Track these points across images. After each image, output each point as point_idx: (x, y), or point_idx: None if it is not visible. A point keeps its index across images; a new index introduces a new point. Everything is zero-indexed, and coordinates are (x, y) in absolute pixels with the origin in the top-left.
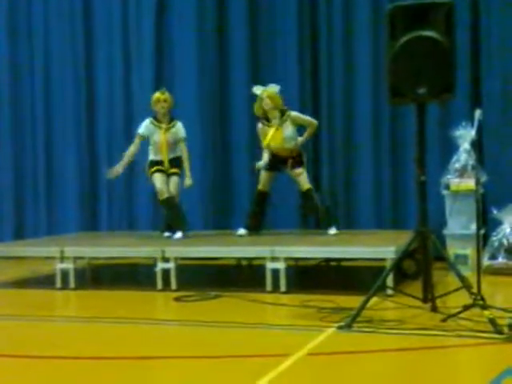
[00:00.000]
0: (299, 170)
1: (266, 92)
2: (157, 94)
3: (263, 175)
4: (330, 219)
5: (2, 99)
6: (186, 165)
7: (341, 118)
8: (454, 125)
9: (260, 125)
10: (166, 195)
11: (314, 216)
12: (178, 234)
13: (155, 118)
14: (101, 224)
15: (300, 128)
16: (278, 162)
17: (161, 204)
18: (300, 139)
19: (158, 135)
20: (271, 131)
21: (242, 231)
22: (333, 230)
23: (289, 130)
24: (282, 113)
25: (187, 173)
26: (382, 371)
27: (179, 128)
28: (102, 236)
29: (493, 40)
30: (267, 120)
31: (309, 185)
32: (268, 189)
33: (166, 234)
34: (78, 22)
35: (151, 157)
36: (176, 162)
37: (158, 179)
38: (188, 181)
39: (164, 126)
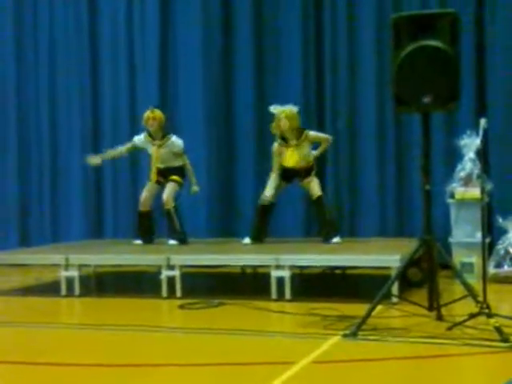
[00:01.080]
0: (309, 178)
1: (284, 112)
2: (146, 113)
3: (272, 181)
4: (335, 230)
5: (7, 107)
6: (191, 174)
7: (345, 125)
8: (459, 134)
9: (276, 144)
10: (143, 209)
11: (320, 224)
12: (171, 241)
13: (149, 135)
14: (106, 232)
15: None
16: (289, 175)
17: (138, 213)
18: (314, 153)
19: (151, 150)
20: (288, 152)
21: (247, 240)
22: (336, 239)
23: (306, 149)
24: (299, 132)
25: (193, 180)
26: (388, 380)
27: (174, 142)
28: (107, 243)
29: (497, 49)
30: (283, 139)
31: (319, 192)
32: (275, 200)
33: (171, 241)
34: (84, 32)
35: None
36: (176, 171)
37: (145, 191)
38: (195, 188)
39: (157, 142)
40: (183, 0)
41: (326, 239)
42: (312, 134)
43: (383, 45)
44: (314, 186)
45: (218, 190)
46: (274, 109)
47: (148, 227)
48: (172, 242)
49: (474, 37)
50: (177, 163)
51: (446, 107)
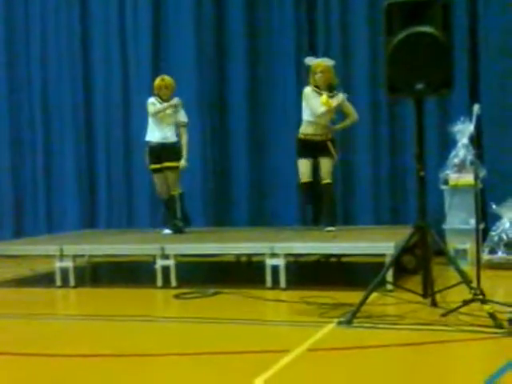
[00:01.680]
0: (326, 160)
1: (320, 66)
2: (157, 81)
3: (301, 166)
4: (334, 218)
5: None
6: (185, 149)
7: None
8: (453, 120)
9: (309, 88)
10: (164, 196)
11: (323, 210)
12: (166, 231)
13: (159, 97)
14: (100, 222)
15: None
16: (310, 148)
17: (163, 203)
18: (337, 126)
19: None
20: (323, 97)
21: (329, 228)
22: (331, 228)
23: (335, 106)
24: (332, 89)
25: (185, 156)
26: (383, 366)
27: (183, 112)
28: (102, 234)
29: (491, 35)
30: (317, 87)
31: (329, 179)
32: (311, 178)
33: (166, 231)
34: (75, 21)
35: (149, 137)
36: (171, 152)
37: (156, 181)
38: (184, 163)
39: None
40: None
41: (326, 226)
42: (343, 96)
43: (376, 31)
44: (327, 170)
45: (213, 179)
46: (310, 61)
47: (176, 212)
48: (167, 231)
49: (466, 22)
50: (173, 138)
51: (439, 93)
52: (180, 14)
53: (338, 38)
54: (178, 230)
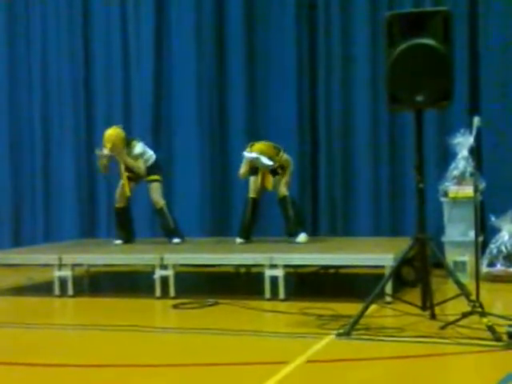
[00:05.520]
0: (277, 177)
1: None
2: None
3: (252, 182)
4: (297, 227)
5: None
6: None
7: (339, 124)
8: (453, 132)
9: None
10: (118, 204)
11: (288, 222)
12: (118, 241)
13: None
14: (99, 231)
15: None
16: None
17: (114, 210)
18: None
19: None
20: (260, 177)
21: (239, 240)
22: (301, 238)
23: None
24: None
25: None
26: (381, 379)
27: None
28: (101, 243)
29: (491, 46)
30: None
31: (284, 192)
32: (259, 195)
33: (175, 240)
34: (77, 31)
35: None
36: (153, 170)
37: (119, 186)
38: None
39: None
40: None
41: (291, 236)
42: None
43: (377, 43)
44: (281, 186)
45: (211, 189)
46: (249, 155)
47: (126, 224)
48: (176, 240)
49: (467, 34)
50: (151, 160)
51: (439, 105)
52: (181, 21)
53: (339, 51)
54: (182, 238)
